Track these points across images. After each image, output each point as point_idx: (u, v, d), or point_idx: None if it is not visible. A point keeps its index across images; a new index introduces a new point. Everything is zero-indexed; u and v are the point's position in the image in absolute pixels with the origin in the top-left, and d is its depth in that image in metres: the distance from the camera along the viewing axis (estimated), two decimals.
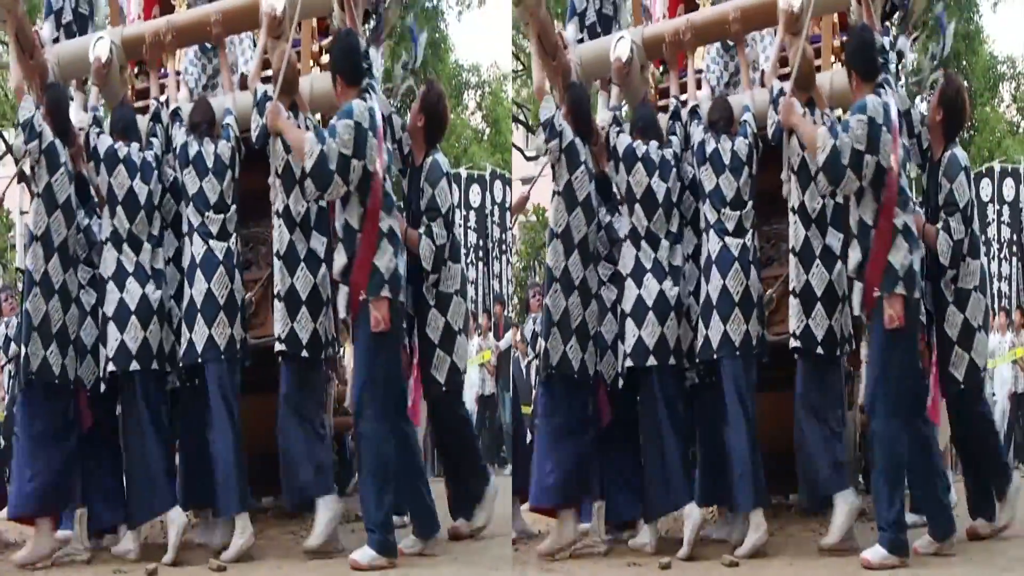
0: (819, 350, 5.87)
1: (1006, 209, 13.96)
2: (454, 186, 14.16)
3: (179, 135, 6.18)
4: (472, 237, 14.52)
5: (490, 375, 12.77)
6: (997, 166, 14.33)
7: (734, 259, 5.97)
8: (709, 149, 6.10)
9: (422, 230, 6.22)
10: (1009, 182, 14.06)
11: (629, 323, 6.06)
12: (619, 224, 6.29)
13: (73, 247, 6.06)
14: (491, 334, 13.04)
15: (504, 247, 14.82)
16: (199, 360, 5.97)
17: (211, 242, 6.01)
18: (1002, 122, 19.12)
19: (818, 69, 6.37)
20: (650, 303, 6.03)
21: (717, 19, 6.46)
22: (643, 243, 6.10)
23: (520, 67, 19.28)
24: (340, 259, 5.81)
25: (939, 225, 6.01)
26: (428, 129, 6.35)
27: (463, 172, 14.91)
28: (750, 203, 6.07)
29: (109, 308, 6.01)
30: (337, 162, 5.65)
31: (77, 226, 6.11)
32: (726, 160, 6.07)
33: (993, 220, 13.91)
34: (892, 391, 5.59)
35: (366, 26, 6.72)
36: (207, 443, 5.98)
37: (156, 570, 5.69)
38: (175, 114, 6.28)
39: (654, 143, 6.19)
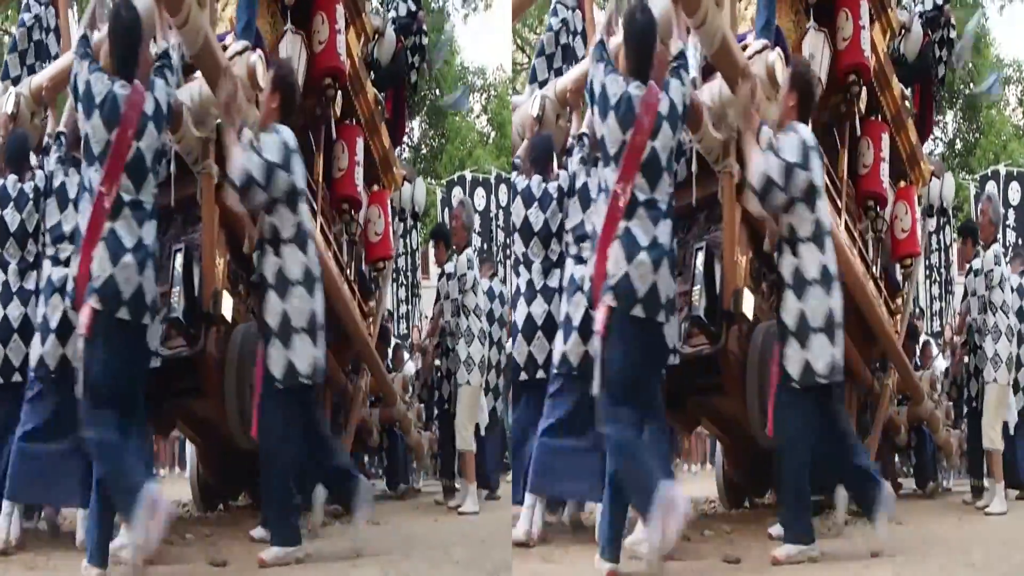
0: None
1: (1011, 213, 13.87)
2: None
3: (50, 162, 6.31)
4: (476, 241, 14.48)
5: None
6: (1003, 169, 14.23)
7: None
8: (579, 183, 6.26)
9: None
10: (1015, 186, 13.95)
11: (511, 343, 6.53)
12: None
13: None
14: None
15: (508, 251, 14.77)
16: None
17: (56, 268, 6.12)
18: (1008, 125, 19.09)
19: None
20: (520, 325, 6.44)
21: None
22: (520, 268, 6.49)
23: (526, 60, 19.23)
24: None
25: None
26: (282, 107, 5.91)
27: (468, 175, 14.90)
28: None
29: None
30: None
31: None
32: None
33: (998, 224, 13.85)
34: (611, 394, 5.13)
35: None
36: None
37: (151, 561, 5.55)
38: (57, 137, 6.35)
39: (537, 177, 6.52)
